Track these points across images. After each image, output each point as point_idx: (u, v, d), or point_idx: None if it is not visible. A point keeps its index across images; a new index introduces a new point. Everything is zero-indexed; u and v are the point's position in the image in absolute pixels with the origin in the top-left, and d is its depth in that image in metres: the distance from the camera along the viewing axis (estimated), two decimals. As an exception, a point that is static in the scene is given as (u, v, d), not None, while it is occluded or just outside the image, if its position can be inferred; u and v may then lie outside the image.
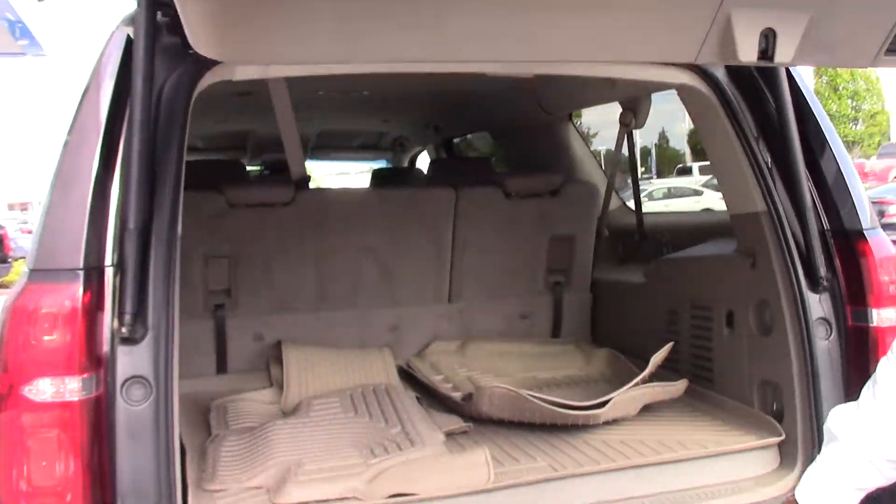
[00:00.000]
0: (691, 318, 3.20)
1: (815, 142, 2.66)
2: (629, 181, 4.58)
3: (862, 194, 2.66)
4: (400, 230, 3.66)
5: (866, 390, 2.06)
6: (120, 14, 2.25)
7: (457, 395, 3.12)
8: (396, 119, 5.99)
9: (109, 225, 1.97)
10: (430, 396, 3.25)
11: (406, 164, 7.22)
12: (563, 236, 3.93)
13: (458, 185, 3.73)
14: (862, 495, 2.03)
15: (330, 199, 3.70)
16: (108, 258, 1.95)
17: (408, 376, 3.55)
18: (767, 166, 2.66)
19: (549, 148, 4.68)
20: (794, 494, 2.11)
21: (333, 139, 6.47)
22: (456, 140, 6.63)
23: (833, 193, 2.61)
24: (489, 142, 7.38)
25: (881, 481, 2.02)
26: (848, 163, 2.69)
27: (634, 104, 3.86)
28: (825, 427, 2.10)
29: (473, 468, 2.32)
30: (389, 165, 7.50)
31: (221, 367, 3.51)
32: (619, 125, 3.98)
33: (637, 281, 3.73)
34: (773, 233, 2.60)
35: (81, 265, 1.90)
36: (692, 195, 23.56)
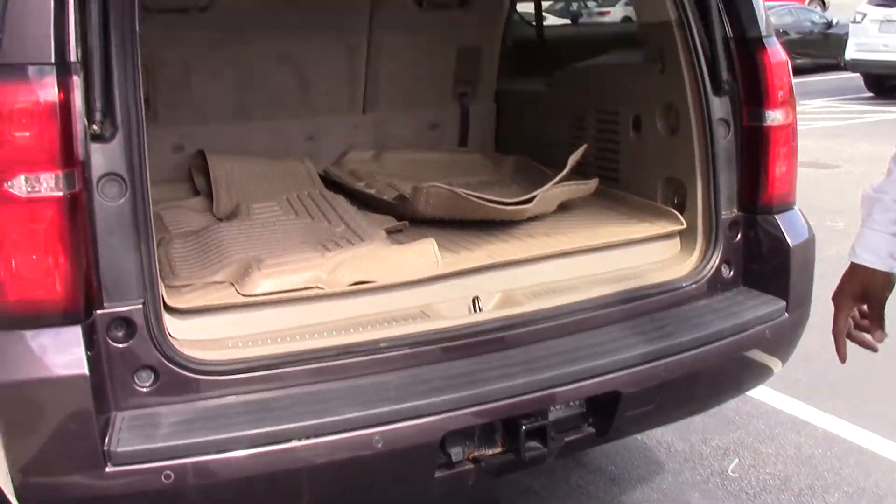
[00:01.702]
0: (597, 122, 3.43)
1: None
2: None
3: (761, 3, 2.88)
4: (316, 38, 3.68)
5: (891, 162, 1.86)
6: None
7: (385, 198, 3.28)
8: None
9: (71, 21, 1.95)
10: (358, 201, 3.40)
11: None
12: (470, 47, 4.04)
13: None
14: None
15: (246, 4, 3.64)
16: (73, 54, 1.95)
17: (330, 183, 3.67)
18: None
19: None
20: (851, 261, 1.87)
21: None
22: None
23: (735, 2, 2.77)
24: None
25: None
26: None
27: None
28: (863, 198, 1.85)
29: (423, 256, 2.53)
30: None
31: None
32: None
33: (541, 90, 3.91)
34: (683, 40, 2.79)
35: (52, 60, 1.89)
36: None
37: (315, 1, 3.85)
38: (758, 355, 2.70)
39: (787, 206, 2.81)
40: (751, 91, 2.78)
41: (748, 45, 2.78)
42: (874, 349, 1.86)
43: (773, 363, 2.76)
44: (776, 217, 2.78)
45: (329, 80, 3.81)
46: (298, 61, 3.70)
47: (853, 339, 1.85)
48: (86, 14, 1.95)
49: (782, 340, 2.75)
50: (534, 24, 4.37)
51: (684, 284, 2.72)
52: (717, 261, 2.76)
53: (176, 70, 3.46)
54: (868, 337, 1.85)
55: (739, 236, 2.80)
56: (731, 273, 2.81)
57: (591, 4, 33.09)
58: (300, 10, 3.66)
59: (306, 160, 3.74)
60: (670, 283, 2.72)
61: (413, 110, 4.08)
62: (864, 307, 1.84)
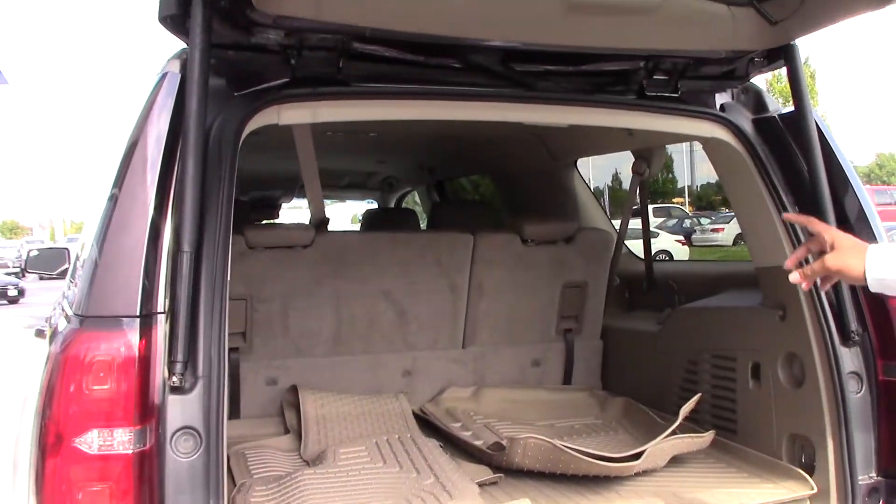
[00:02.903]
0: (712, 367, 3.21)
1: (845, 199, 2.69)
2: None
3: (889, 245, 2.69)
4: (417, 274, 3.65)
5: None
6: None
7: (479, 444, 3.09)
8: (393, 159, 6.00)
9: (161, 273, 1.94)
10: (452, 444, 3.21)
11: (393, 204, 7.22)
12: (575, 283, 3.94)
13: (475, 230, 3.73)
14: None
15: (349, 242, 3.68)
16: (160, 305, 1.92)
17: (425, 423, 3.51)
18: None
19: (555, 194, 4.70)
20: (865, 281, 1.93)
21: (325, 178, 6.48)
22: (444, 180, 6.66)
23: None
24: (482, 184, 7.42)
25: None
26: (876, 217, 2.73)
27: (648, 153, 3.90)
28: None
29: None
30: (376, 205, 7.50)
31: (234, 411, 3.45)
32: (632, 174, 4.02)
33: (650, 329, 3.74)
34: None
35: (137, 312, 1.87)
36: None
37: (418, 238, 3.87)
38: None
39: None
40: (884, 342, 2.58)
41: (878, 293, 2.58)
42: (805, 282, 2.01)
43: None
44: (924, 484, 2.47)
45: (429, 315, 3.74)
46: (398, 296, 3.66)
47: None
48: (176, 265, 1.93)
49: None
50: (643, 258, 4.26)
51: None
52: None
53: (275, 305, 3.45)
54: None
55: None
56: None
57: (704, 221, 33.33)
58: (403, 247, 3.67)
59: (401, 397, 3.61)
60: None
61: (515, 346, 3.95)
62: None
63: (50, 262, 5.15)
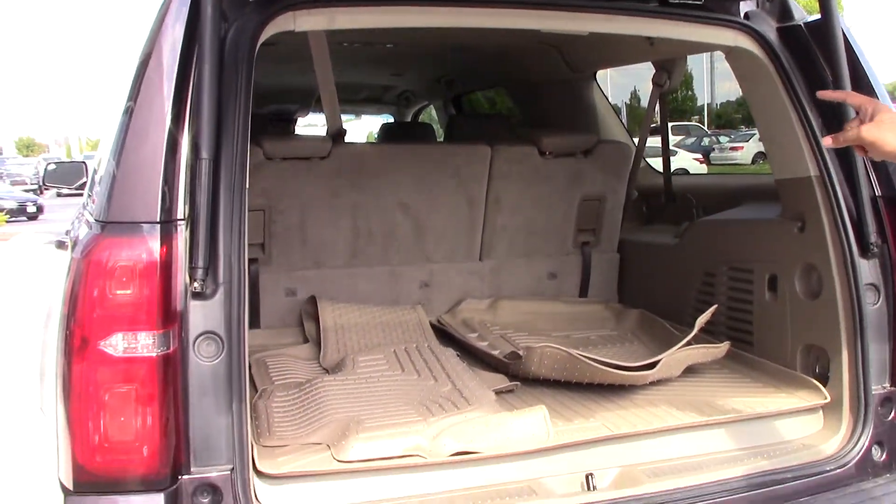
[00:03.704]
0: (729, 280, 3.22)
1: None
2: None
3: None
4: (434, 186, 3.65)
5: None
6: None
7: (496, 353, 3.13)
8: (409, 72, 5.93)
9: (181, 181, 1.95)
10: (468, 354, 3.26)
11: (409, 118, 7.18)
12: (593, 196, 3.93)
13: (493, 143, 3.71)
14: None
15: (366, 153, 3.67)
16: (181, 213, 1.93)
17: (442, 333, 3.56)
18: (820, 131, 2.65)
19: (573, 107, 4.65)
20: None
21: (342, 92, 6.43)
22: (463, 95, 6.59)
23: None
24: (498, 100, 7.35)
25: None
26: None
27: (669, 64, 3.84)
28: None
29: (532, 426, 2.34)
30: (392, 119, 7.45)
31: (254, 322, 3.51)
32: (652, 85, 3.96)
33: (668, 242, 3.74)
34: (825, 198, 2.60)
35: (158, 219, 1.88)
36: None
37: (436, 150, 3.85)
38: None
39: (949, 383, 2.52)
40: None
41: None
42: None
43: None
44: (937, 395, 2.49)
45: (446, 227, 3.76)
46: (416, 209, 3.67)
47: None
48: (196, 172, 1.94)
49: None
50: (661, 172, 4.23)
51: (829, 467, 2.45)
52: (868, 441, 2.49)
53: (293, 216, 3.47)
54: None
55: (893, 414, 2.54)
56: (884, 456, 2.52)
57: (723, 140, 32.90)
58: (420, 159, 3.66)
59: (418, 308, 3.65)
60: (812, 465, 2.45)
61: (531, 259, 3.96)
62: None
63: (68, 176, 5.16)
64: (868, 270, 2.56)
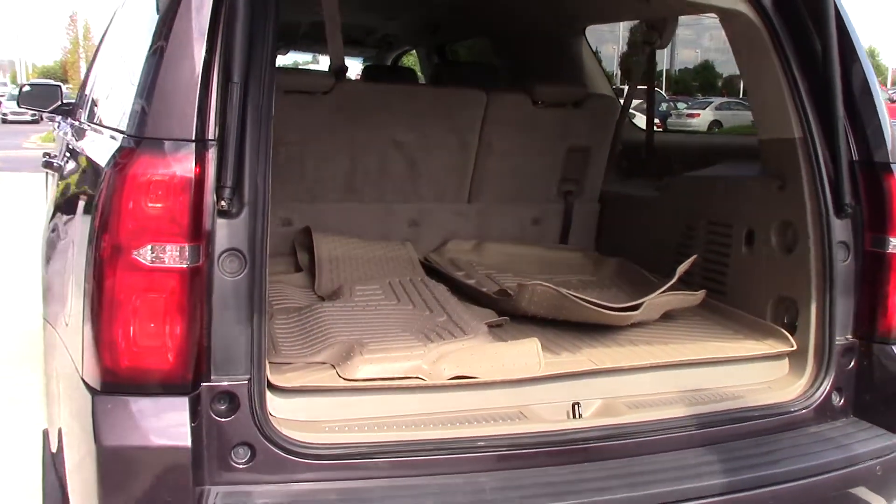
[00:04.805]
0: (708, 233, 3.37)
1: (853, 76, 2.78)
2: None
3: (888, 128, 2.82)
4: (429, 128, 3.75)
5: None
6: None
7: (485, 290, 3.27)
8: (399, 16, 5.95)
9: (213, 103, 2.03)
10: (457, 290, 3.40)
11: (389, 63, 7.18)
12: (580, 147, 4.06)
13: (489, 89, 3.81)
14: None
15: (367, 91, 3.75)
16: (212, 133, 2.02)
17: (429, 270, 3.69)
18: (806, 95, 2.79)
19: (562, 60, 4.75)
20: None
21: (320, 32, 6.39)
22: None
23: (865, 126, 2.73)
24: (485, 51, 7.37)
25: None
26: (881, 100, 2.83)
27: (660, 23, 3.93)
28: None
29: (526, 356, 2.49)
30: (371, 63, 7.42)
31: None
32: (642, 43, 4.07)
33: (648, 195, 3.88)
34: (806, 159, 2.74)
35: (193, 137, 1.97)
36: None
37: (433, 93, 3.94)
38: (864, 493, 2.56)
39: (906, 337, 2.70)
40: (875, 216, 2.71)
41: (874, 169, 2.72)
42: None
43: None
44: (894, 348, 2.68)
45: (438, 168, 3.86)
46: (410, 148, 3.76)
47: None
48: (228, 94, 2.02)
49: (893, 479, 2.60)
50: (644, 129, 4.37)
51: (792, 409, 2.62)
52: (828, 387, 2.67)
53: (293, 148, 3.55)
54: None
55: (853, 364, 2.71)
56: (842, 402, 2.70)
57: (680, 106, 33.02)
58: (417, 101, 3.75)
59: (408, 245, 3.78)
60: (776, 406, 2.63)
61: (517, 204, 4.10)
62: None
63: (42, 99, 5.15)
64: (840, 229, 2.69)
